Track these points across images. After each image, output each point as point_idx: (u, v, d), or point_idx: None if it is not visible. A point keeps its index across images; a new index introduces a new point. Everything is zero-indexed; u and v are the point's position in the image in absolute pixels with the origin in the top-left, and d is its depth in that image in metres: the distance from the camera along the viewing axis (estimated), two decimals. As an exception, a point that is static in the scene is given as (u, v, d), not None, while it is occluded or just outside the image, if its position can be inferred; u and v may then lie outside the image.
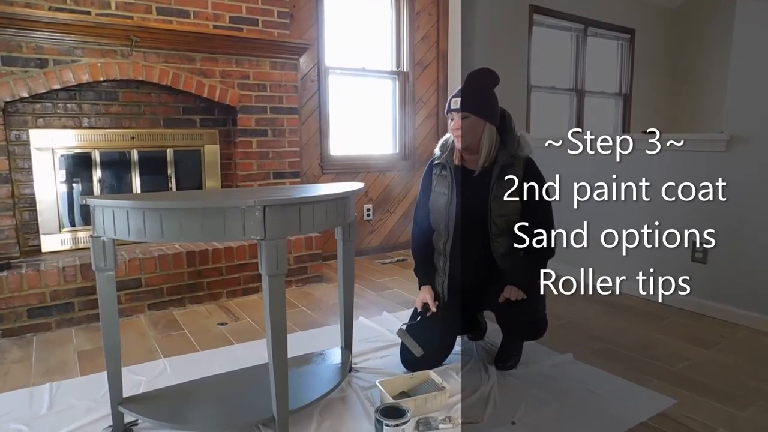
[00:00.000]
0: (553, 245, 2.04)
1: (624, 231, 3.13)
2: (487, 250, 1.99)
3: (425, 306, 2.05)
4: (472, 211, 1.98)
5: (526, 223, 1.99)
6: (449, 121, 2.01)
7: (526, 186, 1.97)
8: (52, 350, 2.30)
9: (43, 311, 2.49)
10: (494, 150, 1.98)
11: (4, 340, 2.38)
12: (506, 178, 1.96)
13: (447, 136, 2.12)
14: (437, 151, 2.12)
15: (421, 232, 2.15)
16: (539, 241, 2.01)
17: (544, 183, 2.04)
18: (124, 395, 1.68)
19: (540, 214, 2.01)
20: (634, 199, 3.07)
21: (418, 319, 2.05)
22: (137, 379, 1.99)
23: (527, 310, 1.96)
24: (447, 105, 2.00)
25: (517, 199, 1.97)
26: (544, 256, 2.03)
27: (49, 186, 2.78)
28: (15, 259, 2.61)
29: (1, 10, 2.38)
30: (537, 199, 2.01)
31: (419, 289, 2.12)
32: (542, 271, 2.06)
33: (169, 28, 2.83)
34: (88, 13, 2.71)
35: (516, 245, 2.01)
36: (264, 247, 1.40)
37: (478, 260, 2.02)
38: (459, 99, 1.95)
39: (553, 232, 2.05)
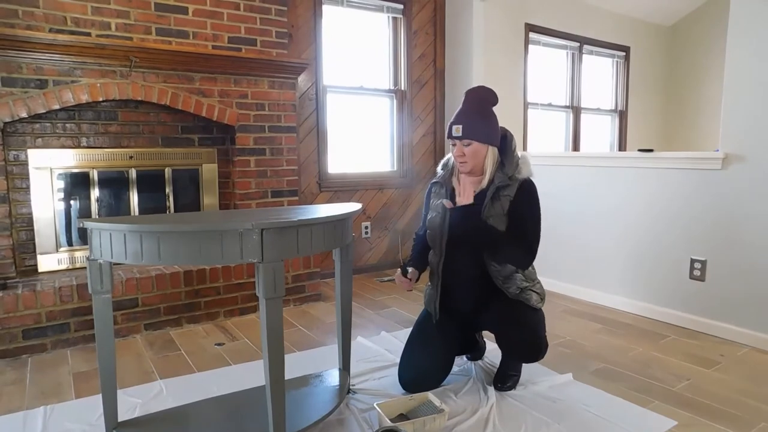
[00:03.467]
0: (531, 252, 1.93)
1: (621, 248, 3.14)
2: (483, 269, 1.98)
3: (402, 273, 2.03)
4: (466, 230, 1.97)
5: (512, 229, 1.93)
6: (451, 145, 2.00)
7: (514, 204, 1.91)
8: (47, 372, 2.27)
9: (39, 332, 2.47)
10: (495, 170, 1.98)
11: (-2, 362, 2.36)
12: (500, 197, 1.93)
13: (449, 155, 2.11)
14: (440, 169, 2.14)
15: (420, 241, 2.18)
16: (520, 240, 1.92)
17: (537, 205, 1.95)
18: (120, 419, 1.67)
19: (526, 228, 1.92)
20: (631, 216, 3.08)
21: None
22: (133, 402, 1.96)
23: (527, 331, 1.94)
24: (448, 130, 1.97)
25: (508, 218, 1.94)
26: (518, 248, 1.92)
27: (46, 205, 2.78)
28: (11, 279, 2.59)
29: (3, 32, 2.40)
30: (524, 217, 1.92)
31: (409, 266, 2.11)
32: (539, 291, 2.03)
33: (168, 48, 2.85)
34: (89, 34, 2.74)
35: (516, 272, 1.98)
36: (261, 270, 1.40)
37: (475, 280, 2.01)
38: (460, 126, 1.91)
39: (537, 246, 1.95)
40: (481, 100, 1.98)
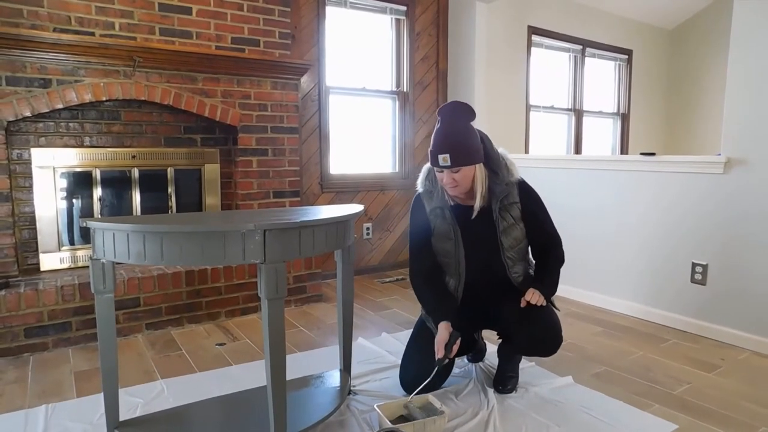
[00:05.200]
0: (563, 254, 2.05)
1: (623, 252, 3.13)
2: (500, 277, 1.99)
3: (442, 357, 1.88)
4: (482, 249, 1.97)
5: (536, 242, 2.02)
6: (437, 172, 1.91)
7: (526, 210, 1.97)
8: (48, 371, 2.28)
9: (41, 331, 2.48)
10: (486, 185, 1.91)
11: (0, 360, 2.36)
12: (506, 207, 1.94)
13: (428, 165, 2.00)
14: (421, 186, 2.02)
15: (423, 270, 2.04)
16: (551, 252, 2.03)
17: (541, 200, 2.03)
18: (121, 418, 1.67)
19: (547, 229, 2.03)
20: (633, 220, 3.08)
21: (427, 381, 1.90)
22: (134, 402, 1.97)
23: (549, 324, 1.95)
24: (432, 158, 1.86)
25: (522, 225, 1.96)
26: (558, 264, 2.04)
27: (49, 204, 2.79)
28: (14, 277, 2.60)
29: (7, 31, 2.41)
30: (540, 219, 2.01)
31: (435, 326, 1.95)
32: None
33: (171, 48, 2.86)
34: (93, 34, 2.75)
35: (530, 268, 2.06)
36: (263, 271, 1.40)
37: (494, 287, 2.02)
38: (448, 156, 1.81)
39: (557, 233, 2.05)
40: (459, 117, 1.87)
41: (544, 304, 1.92)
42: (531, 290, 1.91)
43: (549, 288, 1.98)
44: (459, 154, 1.82)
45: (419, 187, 2.04)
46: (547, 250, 2.04)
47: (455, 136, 1.84)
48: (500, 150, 1.98)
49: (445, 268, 2.06)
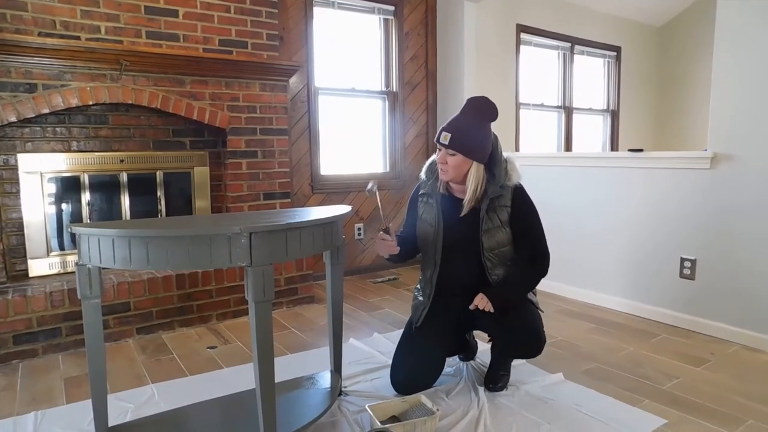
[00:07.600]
0: (546, 268, 2.01)
1: (612, 248, 3.15)
2: (482, 277, 1.98)
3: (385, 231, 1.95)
4: (465, 244, 1.97)
5: (521, 249, 1.99)
6: (437, 150, 1.97)
7: (515, 215, 1.95)
8: (38, 377, 2.27)
9: (30, 337, 2.46)
10: (481, 187, 1.93)
11: (-11, 368, 2.35)
12: (495, 208, 1.93)
13: (433, 157, 2.08)
14: (423, 175, 2.10)
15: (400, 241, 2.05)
16: (533, 264, 1.99)
17: (534, 209, 2.00)
18: (111, 424, 1.67)
19: (532, 240, 1.98)
20: (622, 216, 3.10)
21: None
22: (124, 406, 1.96)
23: (530, 327, 1.95)
24: (438, 134, 1.93)
25: (508, 229, 1.95)
26: (537, 277, 2.00)
27: (37, 210, 2.77)
28: (2, 284, 2.58)
29: (-9, 36, 2.39)
30: (528, 226, 1.97)
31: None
32: (534, 290, 2.07)
33: (158, 51, 2.84)
34: (78, 38, 2.73)
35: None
36: (250, 274, 1.40)
37: (473, 286, 2.01)
38: (450, 135, 1.87)
39: (546, 245, 2.02)
40: (479, 113, 1.92)
41: (492, 310, 1.90)
42: (480, 295, 1.92)
43: (500, 296, 1.93)
44: (460, 140, 1.88)
45: (422, 175, 2.11)
46: (531, 261, 1.98)
47: (466, 125, 1.91)
48: (506, 155, 1.99)
49: (422, 252, 2.09)
